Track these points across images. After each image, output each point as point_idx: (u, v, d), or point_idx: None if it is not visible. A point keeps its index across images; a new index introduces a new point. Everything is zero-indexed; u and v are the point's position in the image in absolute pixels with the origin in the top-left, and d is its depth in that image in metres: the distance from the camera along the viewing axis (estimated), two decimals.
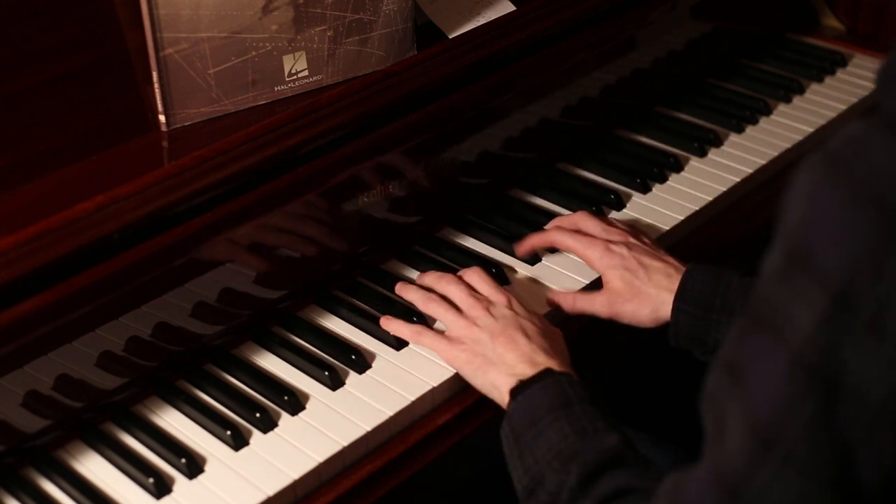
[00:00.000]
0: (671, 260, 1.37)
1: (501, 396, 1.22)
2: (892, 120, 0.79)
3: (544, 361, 1.22)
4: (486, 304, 1.31)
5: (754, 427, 0.82)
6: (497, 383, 1.23)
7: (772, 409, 0.80)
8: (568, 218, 1.48)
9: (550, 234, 1.45)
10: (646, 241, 1.42)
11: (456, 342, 1.29)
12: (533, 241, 1.46)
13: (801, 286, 0.78)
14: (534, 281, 1.45)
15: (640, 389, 1.84)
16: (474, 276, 1.37)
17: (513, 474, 1.15)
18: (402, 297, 1.39)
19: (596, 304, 1.37)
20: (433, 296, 1.36)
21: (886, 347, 0.76)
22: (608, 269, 1.37)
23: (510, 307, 1.31)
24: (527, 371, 1.22)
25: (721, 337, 1.30)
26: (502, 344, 1.25)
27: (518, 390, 1.19)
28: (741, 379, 0.83)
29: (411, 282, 1.43)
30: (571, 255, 1.45)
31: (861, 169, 0.77)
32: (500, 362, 1.24)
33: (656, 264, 1.36)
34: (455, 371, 1.29)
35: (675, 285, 1.32)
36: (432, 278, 1.39)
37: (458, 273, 1.39)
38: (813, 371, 0.78)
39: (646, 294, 1.34)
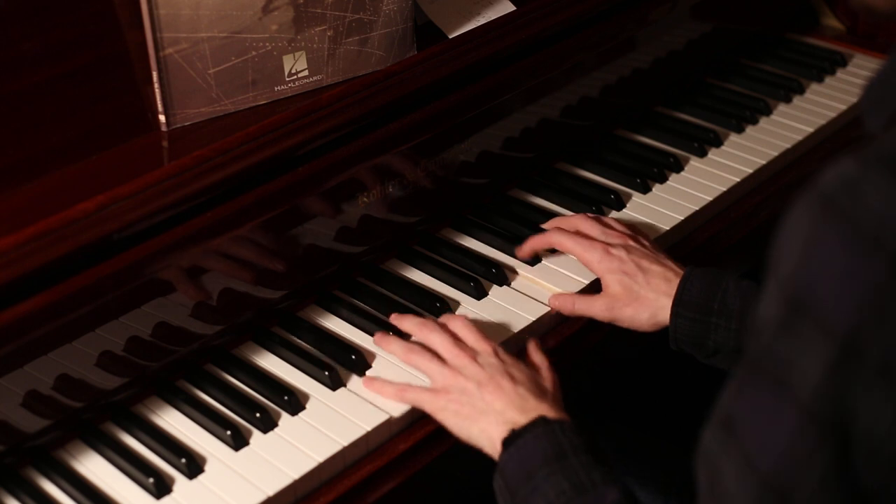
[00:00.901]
0: (670, 263, 1.37)
1: (493, 446, 1.17)
2: (882, 155, 0.78)
3: (534, 407, 1.17)
4: (472, 353, 1.25)
5: (764, 482, 0.80)
6: (488, 432, 1.18)
7: (783, 464, 0.79)
8: (568, 220, 1.48)
9: (550, 236, 1.44)
10: (646, 243, 1.42)
11: (442, 393, 1.22)
12: (533, 242, 1.46)
13: (805, 336, 0.77)
14: (534, 281, 1.45)
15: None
16: (458, 324, 1.30)
17: None
18: (382, 349, 1.33)
19: (594, 308, 1.37)
20: (415, 346, 1.28)
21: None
22: (607, 272, 1.37)
23: (496, 356, 1.25)
24: (517, 418, 1.16)
25: (720, 341, 1.30)
26: (490, 392, 1.19)
27: (510, 440, 1.14)
28: (743, 434, 0.82)
29: (411, 282, 1.44)
30: (571, 256, 1.45)
31: (858, 213, 0.75)
32: (490, 411, 1.18)
33: (655, 268, 1.36)
34: None
35: (674, 290, 1.32)
36: (413, 325, 1.32)
37: (441, 320, 1.32)
38: (824, 423, 0.77)
39: (644, 298, 1.34)
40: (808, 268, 0.77)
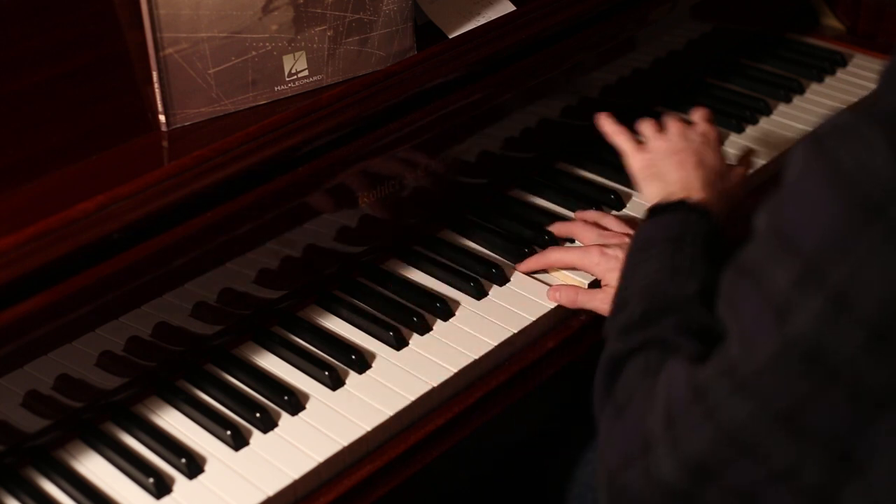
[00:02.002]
0: None
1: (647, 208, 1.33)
2: (880, 114, 0.85)
3: (697, 192, 1.32)
4: (684, 126, 1.46)
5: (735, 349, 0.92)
6: (651, 197, 1.36)
7: (747, 335, 0.90)
8: (565, 227, 1.50)
9: (547, 255, 1.45)
10: None
11: (643, 150, 1.45)
12: (531, 264, 1.46)
13: (778, 253, 0.88)
14: (534, 281, 1.45)
15: None
16: (699, 112, 1.52)
17: (618, 284, 1.23)
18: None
19: (596, 302, 1.38)
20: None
21: (847, 319, 0.84)
22: (606, 272, 1.39)
23: (702, 134, 1.44)
24: (678, 196, 1.30)
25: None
26: (674, 163, 1.38)
27: (654, 211, 1.29)
28: (735, 313, 0.93)
29: (411, 282, 1.44)
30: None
31: (840, 157, 0.84)
32: (664, 178, 1.37)
33: None
34: (455, 370, 1.30)
35: None
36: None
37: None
38: (781, 316, 0.86)
39: None
40: (790, 197, 0.88)
